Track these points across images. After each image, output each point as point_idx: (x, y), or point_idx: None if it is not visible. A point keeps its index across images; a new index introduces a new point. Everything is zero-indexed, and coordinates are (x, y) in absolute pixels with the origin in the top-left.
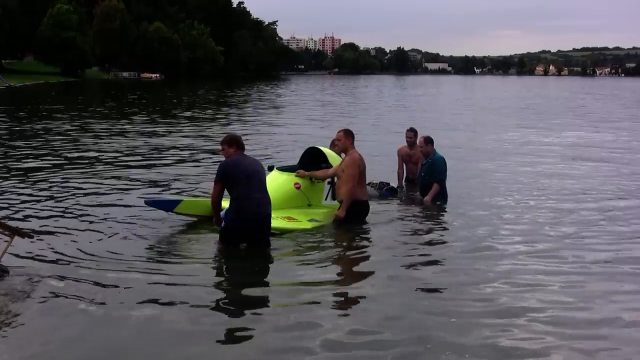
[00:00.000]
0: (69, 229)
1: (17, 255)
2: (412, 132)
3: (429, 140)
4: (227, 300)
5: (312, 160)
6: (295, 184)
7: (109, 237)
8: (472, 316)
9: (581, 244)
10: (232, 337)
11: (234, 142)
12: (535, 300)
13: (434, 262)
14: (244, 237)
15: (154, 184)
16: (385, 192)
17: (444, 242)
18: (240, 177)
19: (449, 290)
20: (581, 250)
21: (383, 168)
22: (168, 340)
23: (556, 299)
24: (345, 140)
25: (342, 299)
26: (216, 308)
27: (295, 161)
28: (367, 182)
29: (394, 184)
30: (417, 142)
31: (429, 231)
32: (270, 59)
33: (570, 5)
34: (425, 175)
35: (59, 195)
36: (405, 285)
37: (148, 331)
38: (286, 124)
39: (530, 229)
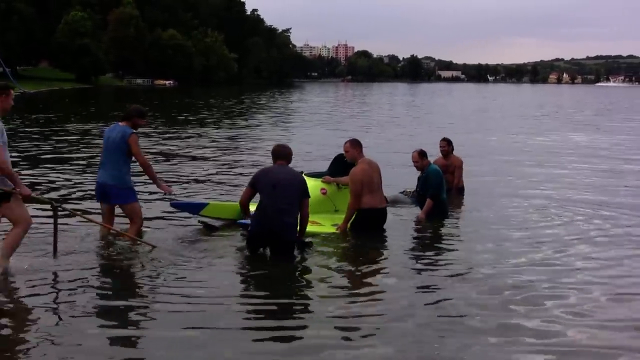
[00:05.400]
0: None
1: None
2: (445, 142)
3: (423, 154)
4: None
5: (341, 167)
6: (322, 189)
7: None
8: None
9: (596, 259)
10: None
11: (273, 155)
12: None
13: (439, 274)
14: (261, 242)
15: (183, 185)
16: None
17: (454, 256)
18: (266, 185)
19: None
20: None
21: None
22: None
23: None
24: (352, 151)
25: (345, 310)
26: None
27: (325, 168)
28: (401, 191)
29: None
30: (411, 156)
31: (441, 242)
32: (283, 66)
33: (584, 14)
34: (420, 191)
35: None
36: (412, 297)
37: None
38: (313, 130)
39: (541, 238)
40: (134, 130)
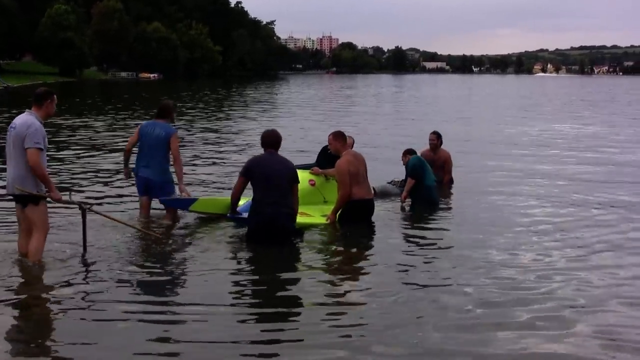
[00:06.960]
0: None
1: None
2: (434, 135)
3: (406, 152)
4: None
5: (328, 159)
6: (310, 181)
7: (123, 233)
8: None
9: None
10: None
11: (263, 142)
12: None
13: (425, 262)
14: (261, 236)
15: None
16: None
17: (441, 244)
18: (260, 178)
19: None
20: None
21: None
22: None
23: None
24: (335, 143)
25: (334, 300)
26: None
27: (313, 159)
28: (389, 181)
29: None
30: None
31: (429, 233)
32: (268, 59)
33: (568, 4)
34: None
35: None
36: (397, 288)
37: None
38: (301, 122)
39: (530, 231)
40: (175, 128)
